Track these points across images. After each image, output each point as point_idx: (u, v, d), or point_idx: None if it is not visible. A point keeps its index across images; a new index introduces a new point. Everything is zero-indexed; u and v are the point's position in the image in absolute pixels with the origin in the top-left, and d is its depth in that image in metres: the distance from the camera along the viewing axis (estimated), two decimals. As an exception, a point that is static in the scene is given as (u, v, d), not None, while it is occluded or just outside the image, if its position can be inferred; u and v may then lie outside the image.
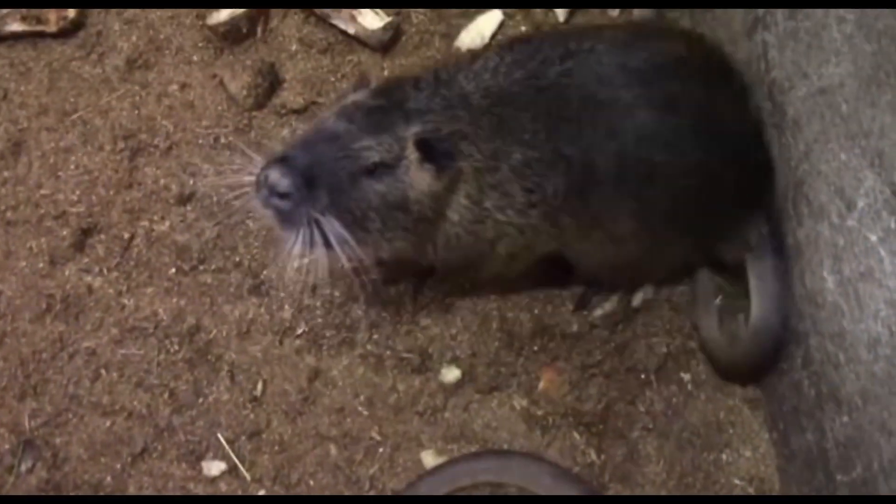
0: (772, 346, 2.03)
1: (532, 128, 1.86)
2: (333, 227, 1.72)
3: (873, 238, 1.62)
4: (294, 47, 2.43)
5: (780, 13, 1.92)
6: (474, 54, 2.01)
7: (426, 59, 2.42)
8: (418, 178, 1.78)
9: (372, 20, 2.38)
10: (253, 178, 1.73)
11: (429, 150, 1.76)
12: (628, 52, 1.89)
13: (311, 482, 2.07)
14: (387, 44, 2.41)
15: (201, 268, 2.23)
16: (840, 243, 1.74)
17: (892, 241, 1.56)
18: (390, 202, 1.78)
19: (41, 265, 2.23)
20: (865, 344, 1.67)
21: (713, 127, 1.93)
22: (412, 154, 1.77)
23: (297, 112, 2.35)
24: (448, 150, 1.79)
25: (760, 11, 2.01)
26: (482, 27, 2.45)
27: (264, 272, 2.23)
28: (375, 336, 2.19)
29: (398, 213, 1.80)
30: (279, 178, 1.67)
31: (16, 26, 2.44)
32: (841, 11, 1.65)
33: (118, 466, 2.08)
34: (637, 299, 2.22)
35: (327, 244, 1.74)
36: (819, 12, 1.74)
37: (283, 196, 1.68)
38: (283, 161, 1.70)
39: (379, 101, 1.80)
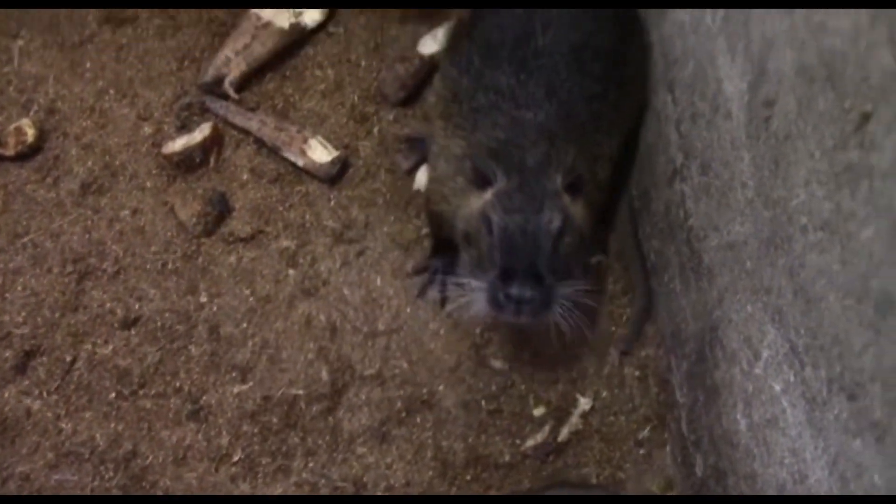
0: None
1: (558, 80, 2.14)
2: (568, 290, 1.97)
3: (777, 388, 1.72)
4: (245, 177, 2.53)
5: (694, 167, 2.07)
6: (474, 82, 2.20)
7: (373, 191, 2.54)
8: (578, 213, 2.05)
9: (321, 154, 2.50)
10: (484, 300, 1.95)
11: (569, 188, 2.02)
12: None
13: None
14: (334, 176, 2.52)
15: (141, 392, 2.26)
16: (749, 389, 1.84)
17: (791, 393, 1.66)
18: (577, 244, 2.05)
19: (-19, 387, 2.25)
20: (774, 488, 1.75)
21: None
22: (566, 200, 2.01)
23: (244, 240, 2.44)
24: (580, 176, 2.05)
25: (678, 163, 2.17)
26: None
27: (203, 397, 2.26)
28: (311, 464, 2.22)
29: (583, 247, 2.10)
30: (522, 290, 1.90)
31: (-26, 149, 2.52)
32: (744, 177, 1.80)
33: None
34: (563, 434, 2.29)
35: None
36: (726, 174, 1.89)
37: (529, 301, 1.91)
38: (511, 276, 1.92)
39: (515, 179, 2.02)
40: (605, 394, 2.36)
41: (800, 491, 1.65)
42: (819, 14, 1.47)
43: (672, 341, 2.32)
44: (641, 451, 2.32)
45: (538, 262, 1.94)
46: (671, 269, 2.30)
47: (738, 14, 1.77)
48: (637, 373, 2.39)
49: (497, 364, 2.37)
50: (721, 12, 1.86)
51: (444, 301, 2.38)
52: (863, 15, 1.34)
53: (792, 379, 1.66)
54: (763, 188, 1.72)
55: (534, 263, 1.94)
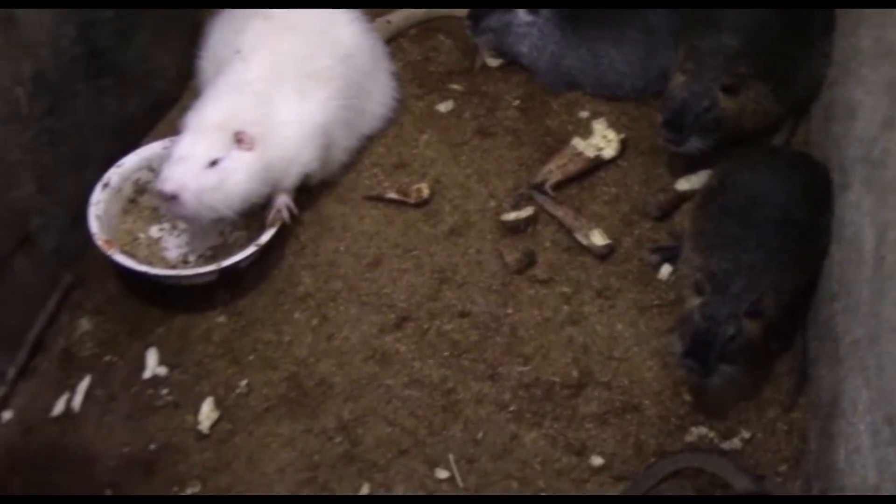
0: None
1: (773, 242, 3.43)
2: (724, 369, 3.30)
3: (861, 428, 2.79)
4: (547, 244, 3.96)
5: (842, 297, 3.19)
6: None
7: (626, 270, 3.87)
8: (751, 330, 3.24)
9: (598, 239, 3.87)
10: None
11: (750, 314, 3.25)
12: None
13: (497, 499, 3.37)
14: (604, 256, 3.89)
15: (463, 356, 3.68)
16: (851, 435, 2.91)
17: (866, 432, 2.73)
18: (745, 347, 3.27)
19: (374, 331, 3.77)
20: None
21: None
22: (744, 321, 3.22)
23: (540, 282, 3.84)
24: (760, 308, 3.25)
25: (835, 290, 3.29)
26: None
27: (499, 368, 3.62)
28: (556, 425, 3.47)
29: (753, 347, 3.34)
30: (692, 365, 3.28)
31: (392, 195, 4.15)
32: (865, 308, 2.92)
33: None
34: (725, 446, 3.40)
35: None
36: (854, 303, 3.01)
37: (694, 371, 3.29)
38: (691, 353, 3.25)
39: (718, 298, 3.25)
40: (759, 435, 3.44)
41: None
42: None
43: (813, 409, 3.39)
44: (777, 480, 3.37)
45: (709, 354, 3.20)
46: (820, 361, 3.39)
47: None
48: (786, 427, 3.45)
49: (687, 398, 3.55)
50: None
51: None
52: None
53: (863, 426, 2.74)
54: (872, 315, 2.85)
55: (705, 352, 3.20)
